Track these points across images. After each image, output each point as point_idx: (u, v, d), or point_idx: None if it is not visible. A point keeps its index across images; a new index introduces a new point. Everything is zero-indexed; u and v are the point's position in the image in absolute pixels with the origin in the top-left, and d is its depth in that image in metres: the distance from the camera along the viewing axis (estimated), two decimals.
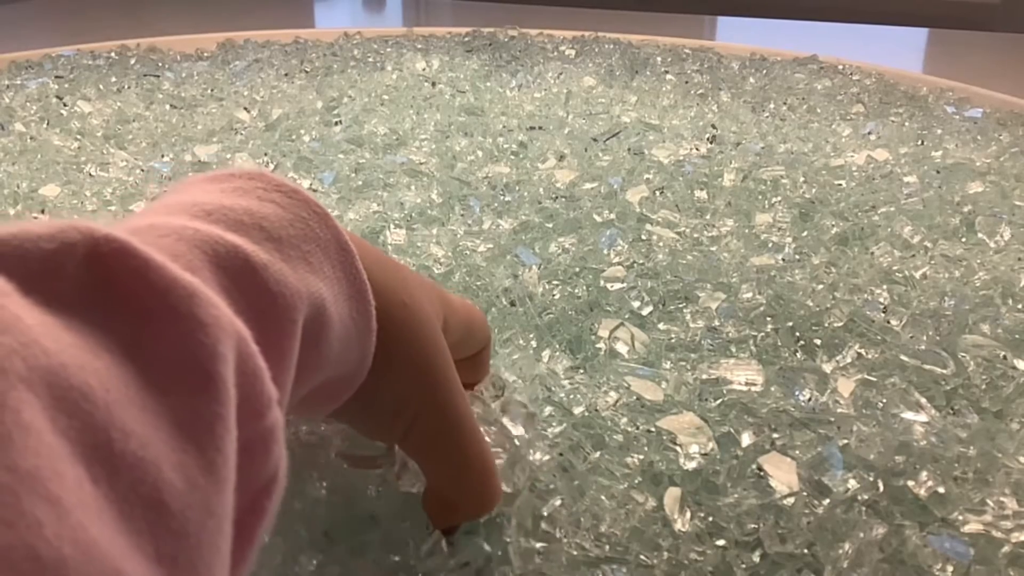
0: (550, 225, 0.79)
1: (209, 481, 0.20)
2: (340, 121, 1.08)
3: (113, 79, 1.32)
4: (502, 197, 0.84)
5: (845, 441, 0.50)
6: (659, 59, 1.48)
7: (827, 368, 0.58)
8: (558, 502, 0.45)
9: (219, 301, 0.23)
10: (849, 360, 0.59)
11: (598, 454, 0.49)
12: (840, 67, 1.45)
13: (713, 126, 1.09)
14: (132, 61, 1.46)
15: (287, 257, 0.28)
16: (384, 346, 0.35)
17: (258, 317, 0.26)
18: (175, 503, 0.19)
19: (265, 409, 0.24)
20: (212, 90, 1.26)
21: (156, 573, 0.18)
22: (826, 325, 0.63)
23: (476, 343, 0.46)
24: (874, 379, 0.56)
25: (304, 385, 0.30)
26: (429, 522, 0.42)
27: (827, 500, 0.46)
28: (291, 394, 0.30)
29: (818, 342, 0.61)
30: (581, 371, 0.57)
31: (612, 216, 0.80)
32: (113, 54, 1.50)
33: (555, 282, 0.69)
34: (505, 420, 0.45)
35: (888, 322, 0.63)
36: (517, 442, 0.45)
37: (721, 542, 0.44)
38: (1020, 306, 0.67)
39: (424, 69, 1.35)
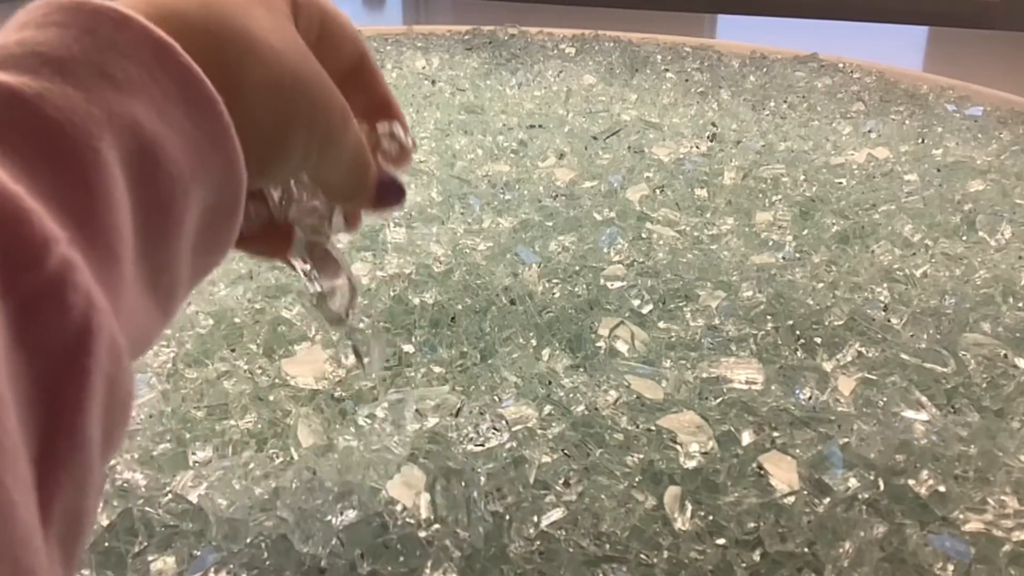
0: (550, 223, 0.79)
1: None
2: None
3: None
4: (502, 195, 0.84)
5: (846, 440, 0.50)
6: (659, 57, 1.48)
7: (827, 367, 0.58)
8: (557, 501, 0.45)
9: None
10: (849, 359, 0.59)
11: (598, 453, 0.49)
12: (840, 65, 1.45)
13: (713, 124, 1.09)
14: None
15: (75, 79, 0.24)
16: (264, 109, 0.31)
17: (39, 152, 0.23)
18: None
19: (39, 256, 0.20)
20: None
21: None
22: (826, 324, 0.63)
23: (343, 48, 0.39)
24: (874, 378, 0.56)
25: (181, 210, 0.27)
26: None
27: (827, 499, 0.46)
28: (175, 228, 0.27)
29: (818, 341, 0.61)
30: (581, 370, 0.57)
31: (612, 214, 0.80)
32: None
33: (555, 280, 0.69)
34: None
35: (888, 321, 0.63)
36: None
37: (721, 541, 0.44)
38: (1021, 304, 0.67)
39: (424, 67, 1.35)
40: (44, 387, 0.20)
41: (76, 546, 0.22)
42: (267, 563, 0.42)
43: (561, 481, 0.46)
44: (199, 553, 0.43)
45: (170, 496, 0.46)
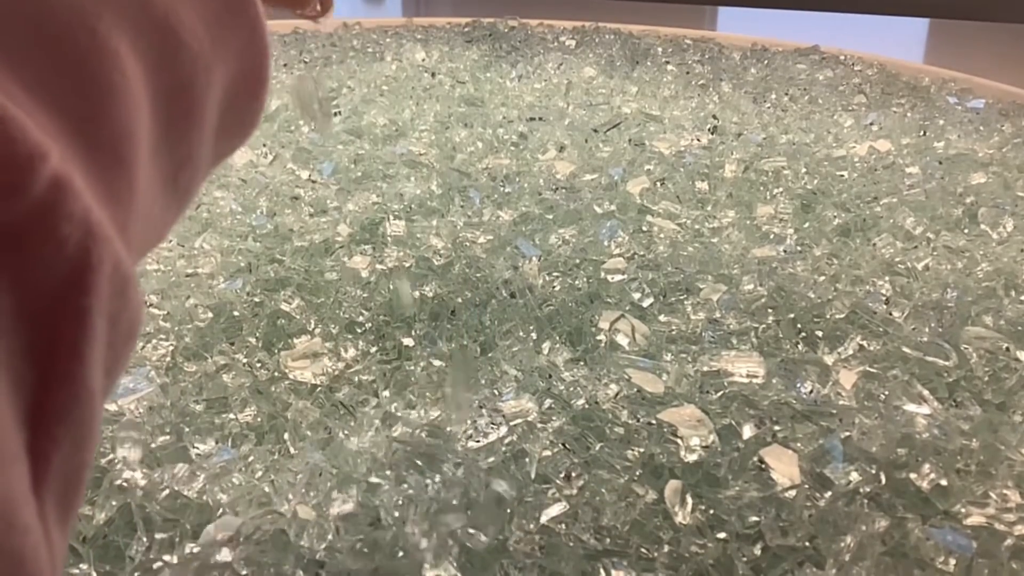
0: (550, 216, 0.79)
1: None
2: (339, 112, 1.07)
3: None
4: (502, 188, 0.84)
5: (847, 433, 0.50)
6: (660, 49, 1.47)
7: (829, 360, 0.58)
8: (558, 495, 0.45)
9: None
10: (851, 352, 0.59)
11: (598, 447, 0.49)
12: (842, 57, 1.44)
13: (714, 117, 1.09)
14: None
15: None
16: None
17: (24, 40, 0.19)
18: None
19: (24, 178, 0.17)
20: None
21: None
22: (828, 317, 0.63)
23: None
24: (876, 371, 0.56)
25: (203, 91, 0.24)
26: None
27: (829, 493, 0.46)
28: (198, 114, 0.24)
29: (820, 334, 0.61)
30: (581, 363, 0.57)
31: (612, 207, 0.80)
32: None
33: (555, 274, 0.68)
34: None
35: (890, 314, 0.63)
36: None
37: (722, 535, 0.44)
38: (1023, 298, 0.67)
39: (424, 59, 1.35)
40: (35, 334, 0.18)
41: (74, 502, 0.20)
42: (266, 557, 0.42)
43: (562, 475, 0.46)
44: (198, 548, 0.43)
45: (168, 490, 0.46)
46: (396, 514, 0.44)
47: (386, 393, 0.55)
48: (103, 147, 0.20)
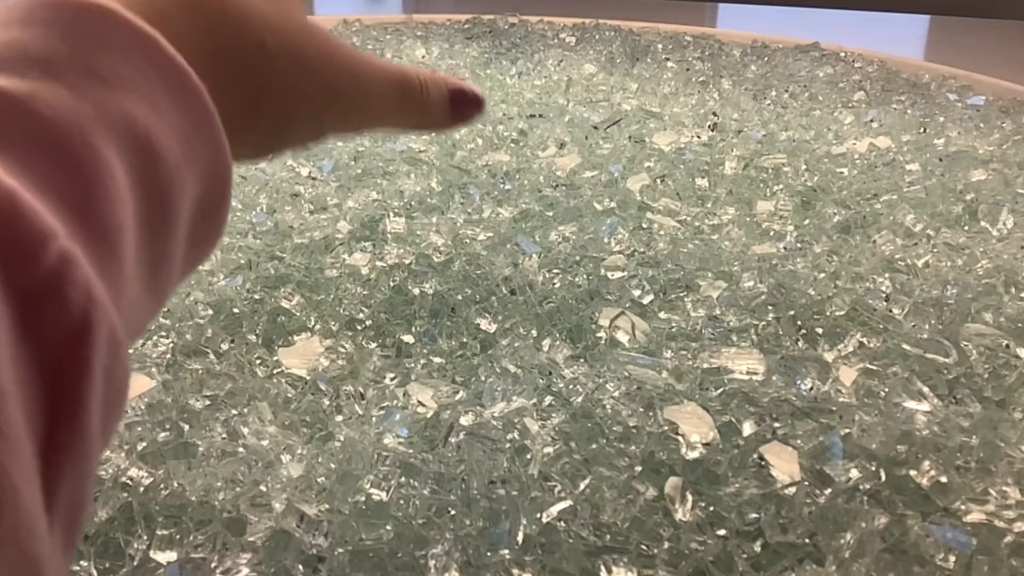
0: (550, 213, 0.78)
1: None
2: None
3: None
4: (502, 185, 0.84)
5: (847, 430, 0.50)
6: (660, 46, 1.47)
7: (829, 357, 0.58)
8: (558, 493, 0.45)
9: None
10: (851, 349, 0.59)
11: (598, 444, 0.49)
12: (842, 54, 1.44)
13: (714, 114, 1.09)
14: None
15: (63, 77, 0.25)
16: (260, 97, 0.32)
17: (34, 149, 0.23)
18: None
19: (37, 252, 0.21)
20: None
21: None
22: (828, 314, 0.63)
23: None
24: (876, 368, 0.56)
25: (178, 199, 0.28)
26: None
27: (829, 490, 0.46)
28: (174, 218, 0.28)
29: (820, 331, 0.61)
30: (582, 360, 0.57)
31: (613, 204, 0.80)
32: None
33: (555, 271, 0.68)
34: None
35: (890, 311, 0.63)
36: None
37: (722, 532, 0.44)
38: (1023, 294, 0.67)
39: (424, 56, 1.35)
40: (46, 379, 0.21)
41: (76, 535, 0.22)
42: (266, 554, 0.42)
43: (561, 472, 0.46)
44: (199, 544, 0.43)
45: (169, 488, 0.46)
46: (397, 511, 0.44)
47: (382, 390, 0.55)
48: (98, 235, 0.24)
